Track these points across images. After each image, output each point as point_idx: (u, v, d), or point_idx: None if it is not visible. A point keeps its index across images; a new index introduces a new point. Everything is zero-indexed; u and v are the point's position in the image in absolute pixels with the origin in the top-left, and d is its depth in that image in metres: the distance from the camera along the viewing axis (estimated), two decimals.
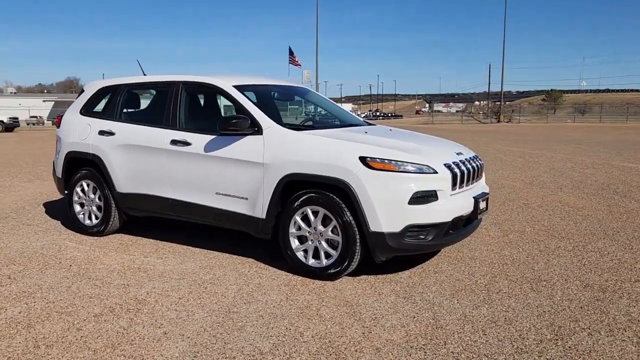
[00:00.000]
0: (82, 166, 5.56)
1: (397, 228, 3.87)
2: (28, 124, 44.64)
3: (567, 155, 14.16)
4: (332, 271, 4.08)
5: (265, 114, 4.59)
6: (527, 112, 66.42)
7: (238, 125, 4.35)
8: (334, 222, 4.05)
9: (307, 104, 6.07)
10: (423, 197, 3.90)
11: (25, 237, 5.47)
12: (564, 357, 2.93)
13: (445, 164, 4.07)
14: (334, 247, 4.10)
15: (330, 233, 4.10)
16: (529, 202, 7.35)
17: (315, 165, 4.07)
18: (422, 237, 3.95)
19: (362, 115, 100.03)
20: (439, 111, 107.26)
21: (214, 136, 4.58)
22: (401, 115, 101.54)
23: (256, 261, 4.64)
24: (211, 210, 4.66)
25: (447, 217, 3.99)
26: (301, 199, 4.16)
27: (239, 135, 4.44)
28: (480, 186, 4.64)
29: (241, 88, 4.77)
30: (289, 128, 4.44)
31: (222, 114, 5.67)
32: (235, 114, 4.70)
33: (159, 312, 3.55)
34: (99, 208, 5.47)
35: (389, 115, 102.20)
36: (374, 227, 3.90)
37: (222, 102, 5.50)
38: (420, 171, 3.93)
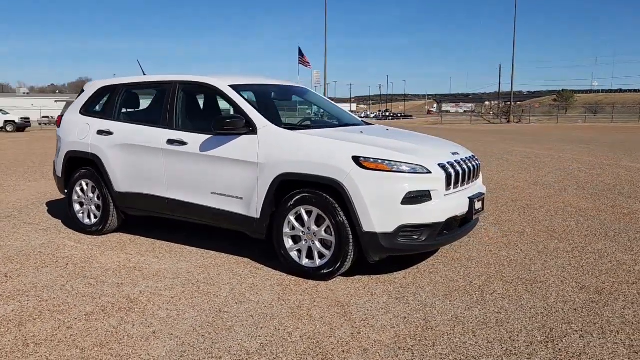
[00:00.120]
0: (81, 166, 5.60)
1: (390, 228, 3.85)
2: (40, 124, 45.05)
3: (575, 155, 14.03)
4: (325, 271, 4.07)
5: (262, 113, 4.60)
6: (537, 112, 65.90)
7: (232, 124, 4.35)
8: (328, 222, 4.04)
9: (311, 104, 6.05)
10: (416, 197, 3.88)
11: (25, 236, 5.52)
12: (553, 359, 2.89)
13: (439, 164, 4.05)
14: (328, 247, 4.09)
15: (323, 233, 4.09)
16: (531, 203, 7.28)
17: (308, 165, 4.07)
18: (415, 237, 3.93)
19: (372, 115, 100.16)
20: (447, 111, 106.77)
21: (209, 136, 4.59)
22: (411, 116, 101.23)
23: (251, 261, 4.64)
24: (207, 210, 4.67)
25: (441, 218, 3.96)
26: (295, 199, 4.15)
27: (234, 135, 4.44)
28: (477, 186, 4.61)
29: (237, 88, 4.77)
30: (284, 128, 4.44)
31: (220, 114, 5.67)
32: (231, 113, 4.71)
33: (150, 311, 3.56)
34: (97, 207, 5.50)
35: (399, 115, 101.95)
36: (366, 227, 3.88)
37: (220, 102, 5.50)
38: (414, 171, 3.90)
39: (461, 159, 4.34)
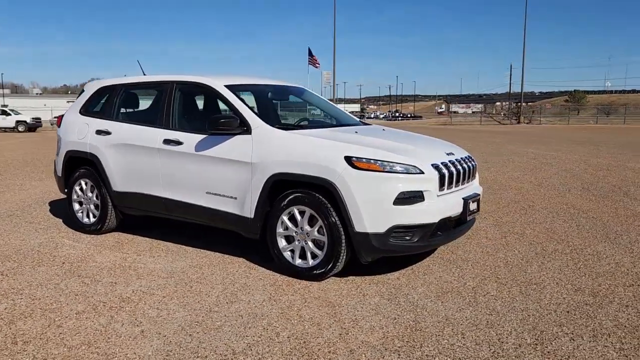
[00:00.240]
0: (80, 165, 5.64)
1: (382, 229, 3.83)
2: (51, 124, 45.46)
3: (583, 156, 13.88)
4: (317, 272, 4.06)
5: (258, 113, 4.60)
6: (548, 113, 65.28)
7: (227, 124, 4.35)
8: (320, 222, 4.03)
9: (296, 104, 6.05)
10: (409, 198, 3.85)
11: (25, 235, 5.56)
12: None
13: (432, 165, 4.02)
14: (320, 248, 4.08)
15: (316, 233, 4.08)
16: (534, 204, 7.22)
17: (301, 165, 4.06)
18: (407, 238, 3.90)
19: (381, 116, 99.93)
20: (455, 112, 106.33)
21: (205, 135, 4.60)
22: (421, 116, 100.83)
23: (246, 261, 4.64)
24: (202, 210, 4.68)
25: (434, 218, 3.93)
26: (288, 199, 4.15)
27: (229, 135, 4.45)
28: (473, 187, 4.57)
29: (233, 88, 4.78)
30: (278, 128, 4.43)
31: (216, 114, 5.68)
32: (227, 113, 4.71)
33: (140, 310, 3.57)
34: (96, 207, 5.53)
35: (409, 115, 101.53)
36: (358, 227, 3.86)
37: (218, 102, 5.50)
38: (406, 171, 3.88)
39: (456, 160, 4.31)
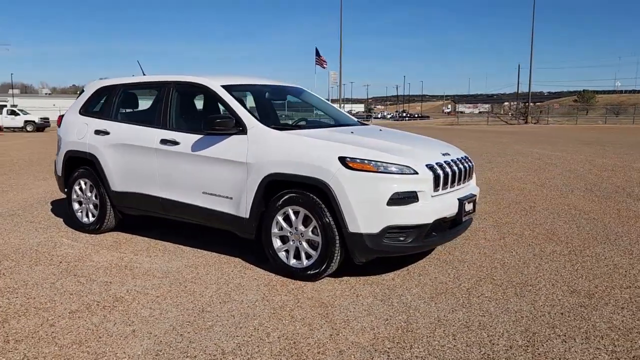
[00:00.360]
0: (80, 165, 5.67)
1: (376, 229, 3.82)
2: None
3: (588, 157, 13.78)
4: (311, 272, 4.05)
5: (254, 113, 4.60)
6: (556, 113, 64.84)
7: (222, 124, 4.36)
8: (314, 223, 4.02)
9: (304, 104, 6.05)
10: (402, 198, 3.84)
11: (25, 234, 5.60)
12: None
13: (427, 165, 4.00)
14: (315, 248, 4.07)
15: (310, 233, 4.07)
16: (535, 205, 7.17)
17: (295, 165, 4.06)
18: (401, 238, 3.89)
19: (388, 116, 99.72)
20: (461, 112, 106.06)
21: (201, 136, 4.61)
22: (428, 117, 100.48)
23: (242, 261, 4.64)
24: (198, 210, 4.69)
25: (428, 219, 3.91)
26: (283, 199, 4.15)
27: (225, 135, 4.45)
28: (469, 188, 4.54)
29: (230, 88, 4.78)
30: (274, 128, 4.43)
31: (213, 114, 5.69)
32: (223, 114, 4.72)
33: (133, 310, 3.58)
34: (95, 206, 5.56)
35: (416, 116, 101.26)
36: (352, 227, 3.85)
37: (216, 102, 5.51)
38: (400, 172, 3.87)
39: (451, 160, 4.29)
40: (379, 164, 3.86)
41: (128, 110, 5.68)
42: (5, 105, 39.46)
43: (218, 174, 4.49)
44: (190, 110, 5.34)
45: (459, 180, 4.32)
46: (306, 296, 3.83)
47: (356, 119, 5.67)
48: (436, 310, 3.57)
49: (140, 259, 4.74)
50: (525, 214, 6.59)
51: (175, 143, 4.76)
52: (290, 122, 5.46)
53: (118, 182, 5.27)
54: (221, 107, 5.41)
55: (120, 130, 5.26)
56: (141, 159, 5.02)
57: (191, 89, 5.16)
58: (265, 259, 4.45)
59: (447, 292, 3.90)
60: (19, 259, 4.71)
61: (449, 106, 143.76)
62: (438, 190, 4.04)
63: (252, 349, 3.02)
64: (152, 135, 4.94)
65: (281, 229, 4.22)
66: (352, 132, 4.63)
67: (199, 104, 5.49)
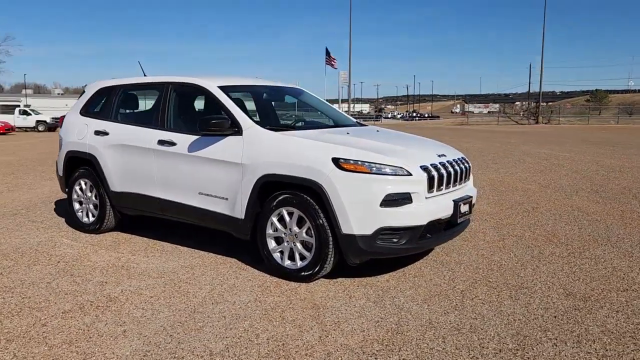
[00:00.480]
0: (80, 165, 5.72)
1: (369, 230, 3.81)
2: None
3: (596, 157, 13.64)
4: (305, 273, 4.05)
5: (249, 114, 4.61)
6: (568, 113, 64.22)
7: (218, 125, 4.37)
8: (308, 224, 4.02)
9: (302, 105, 6.04)
10: (396, 200, 3.82)
11: (26, 233, 5.66)
12: None
13: (421, 166, 3.98)
14: (309, 249, 4.07)
15: (304, 235, 4.07)
16: (537, 206, 7.11)
17: (289, 166, 4.05)
18: (395, 240, 3.87)
19: (399, 116, 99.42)
20: (471, 112, 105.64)
21: (198, 136, 4.62)
22: (438, 116, 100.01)
23: (238, 262, 4.65)
24: (194, 210, 4.70)
25: (422, 221, 3.89)
26: (277, 200, 4.15)
27: (221, 136, 4.46)
28: (466, 189, 4.51)
29: (227, 89, 4.79)
30: (269, 129, 4.43)
31: (209, 115, 5.71)
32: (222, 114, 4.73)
33: (126, 310, 3.60)
34: (95, 206, 5.60)
35: (426, 115, 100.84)
36: (345, 229, 3.84)
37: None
38: (394, 173, 3.85)
39: (447, 161, 4.26)
40: (372, 165, 3.85)
41: (127, 111, 5.72)
42: (18, 106, 39.88)
43: (214, 175, 4.50)
44: (188, 111, 5.35)
45: (455, 181, 4.30)
46: (299, 297, 3.82)
47: (354, 120, 5.65)
48: (428, 312, 3.55)
49: (137, 259, 4.76)
50: (527, 215, 6.54)
51: (172, 144, 4.77)
52: (290, 122, 5.46)
53: (117, 183, 5.30)
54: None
55: (119, 131, 5.29)
56: (139, 159, 5.05)
57: (188, 90, 5.18)
58: (261, 260, 4.45)
59: (441, 294, 3.87)
60: (18, 259, 4.75)
61: (458, 106, 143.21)
62: (432, 191, 4.01)
63: (240, 350, 3.02)
64: (150, 135, 4.97)
65: (276, 230, 4.22)
66: (348, 133, 4.61)
67: (199, 104, 5.51)
